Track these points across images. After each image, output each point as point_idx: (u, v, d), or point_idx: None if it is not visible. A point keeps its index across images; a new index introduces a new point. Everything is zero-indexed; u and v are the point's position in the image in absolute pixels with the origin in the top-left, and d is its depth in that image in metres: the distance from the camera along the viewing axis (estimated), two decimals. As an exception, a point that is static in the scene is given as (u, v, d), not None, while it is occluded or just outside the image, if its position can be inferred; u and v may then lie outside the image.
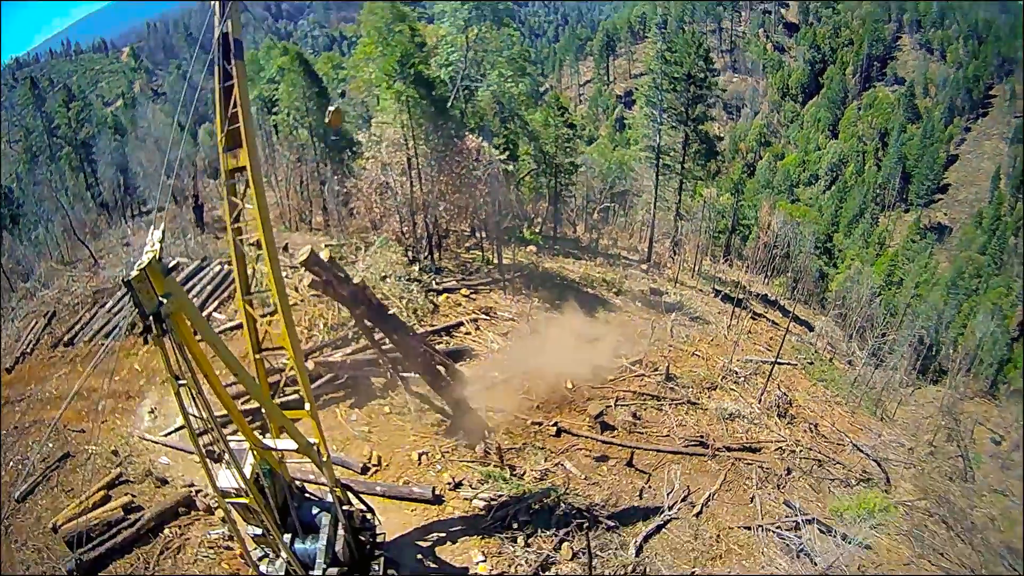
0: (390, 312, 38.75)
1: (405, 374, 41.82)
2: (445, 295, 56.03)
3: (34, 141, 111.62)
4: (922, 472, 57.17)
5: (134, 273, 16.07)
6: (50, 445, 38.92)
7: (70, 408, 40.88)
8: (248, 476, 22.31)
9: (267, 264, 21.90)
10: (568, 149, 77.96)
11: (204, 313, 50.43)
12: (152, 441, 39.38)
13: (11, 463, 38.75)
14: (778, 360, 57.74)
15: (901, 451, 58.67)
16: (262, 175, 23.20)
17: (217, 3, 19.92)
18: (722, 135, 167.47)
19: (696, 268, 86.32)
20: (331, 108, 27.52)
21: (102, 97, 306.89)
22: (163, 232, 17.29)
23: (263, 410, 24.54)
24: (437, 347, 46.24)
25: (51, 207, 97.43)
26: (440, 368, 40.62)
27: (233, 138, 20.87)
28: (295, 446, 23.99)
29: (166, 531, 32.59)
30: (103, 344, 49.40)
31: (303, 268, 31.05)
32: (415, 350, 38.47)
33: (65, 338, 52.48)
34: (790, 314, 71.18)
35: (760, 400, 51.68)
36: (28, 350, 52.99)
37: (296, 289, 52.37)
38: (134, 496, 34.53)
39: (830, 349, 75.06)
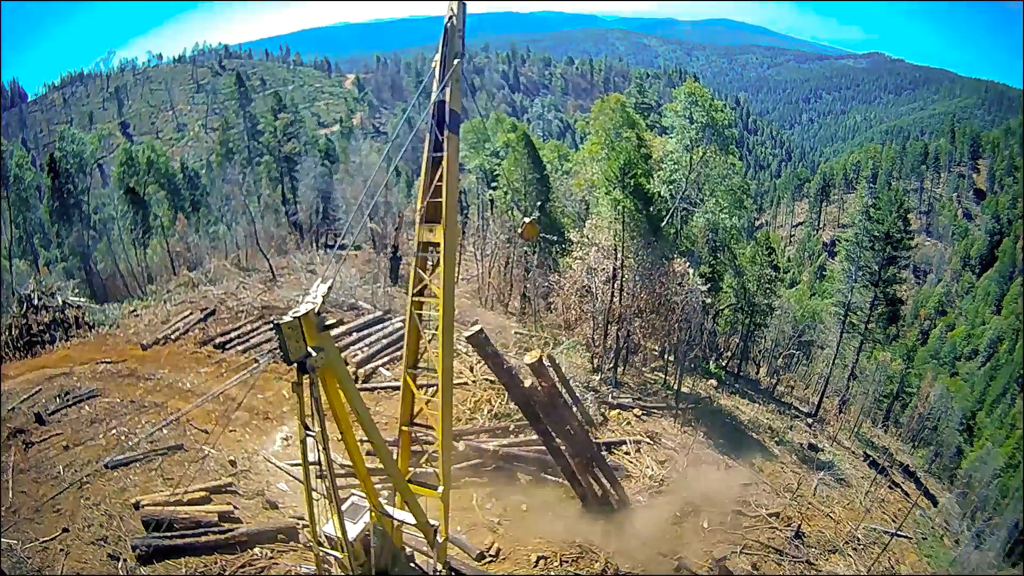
0: (567, 426, 39.27)
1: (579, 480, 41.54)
2: (618, 411, 55.62)
3: (232, 137, 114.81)
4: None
5: (287, 319, 16.41)
6: (165, 432, 39.39)
7: (201, 408, 41.42)
8: (360, 532, 22.46)
9: (439, 344, 21.70)
10: (768, 290, 77.40)
11: (371, 366, 51.43)
12: (276, 465, 39.69)
13: (114, 430, 39.26)
14: (897, 533, 56.77)
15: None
16: (455, 255, 22.99)
17: (437, 67, 19.66)
18: (906, 299, 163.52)
19: (856, 429, 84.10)
20: (526, 220, 27.32)
21: (318, 117, 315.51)
22: (330, 287, 17.57)
23: (392, 481, 24.17)
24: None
25: (238, 209, 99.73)
26: (602, 480, 41.15)
27: (433, 211, 20.68)
28: (414, 520, 23.90)
29: (256, 550, 32.05)
30: (256, 360, 50.16)
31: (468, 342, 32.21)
32: (581, 450, 39.20)
33: (218, 340, 53.53)
34: (921, 488, 69.79)
35: (868, 570, 50.30)
36: (173, 336, 54.33)
37: (471, 369, 52.81)
38: (236, 508, 34.41)
39: (945, 526, 72.38)
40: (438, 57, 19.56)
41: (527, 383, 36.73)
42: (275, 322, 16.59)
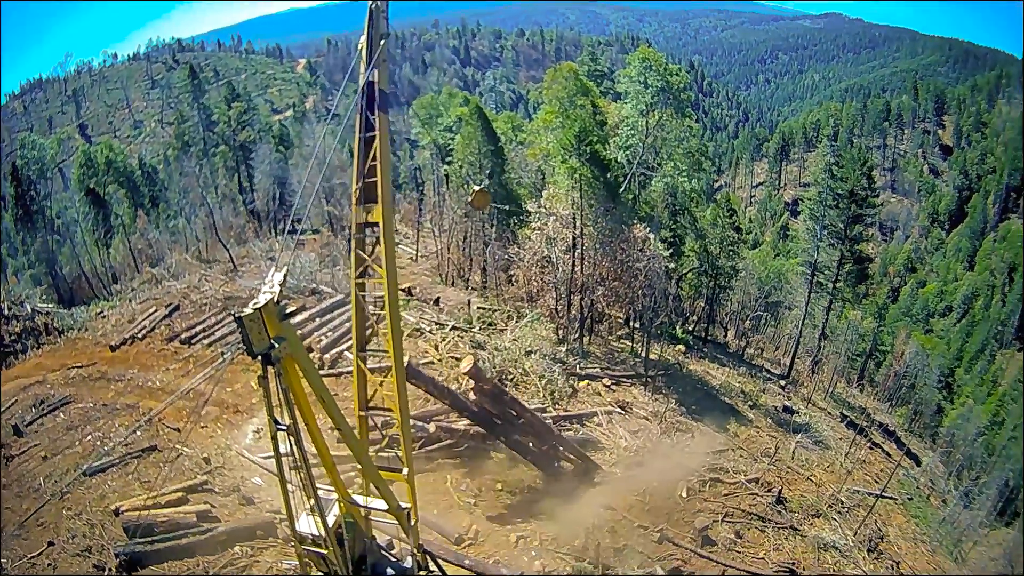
0: (520, 419, 40.07)
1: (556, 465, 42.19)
2: (587, 381, 55.47)
3: (187, 130, 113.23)
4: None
5: (247, 311, 15.84)
6: (138, 433, 39.36)
7: (172, 406, 41.44)
8: (331, 525, 21.93)
9: (388, 324, 21.63)
10: (731, 252, 77.27)
11: (336, 350, 50.87)
12: (249, 459, 39.38)
13: (89, 436, 39.32)
14: (882, 494, 57.01)
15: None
16: (393, 234, 22.90)
17: (364, 48, 19.59)
18: (874, 256, 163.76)
19: (830, 390, 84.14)
20: (476, 188, 26.87)
21: (271, 103, 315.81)
22: (284, 275, 17.02)
23: (359, 466, 23.92)
24: (566, 434, 46.66)
25: (196, 201, 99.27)
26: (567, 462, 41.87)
27: (368, 192, 20.55)
28: (385, 506, 23.71)
29: (237, 548, 32.16)
30: (223, 353, 49.54)
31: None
32: (543, 437, 40.31)
33: (184, 335, 53.25)
34: (904, 448, 70.50)
35: (855, 533, 50.33)
36: (140, 335, 53.98)
37: (436, 348, 52.21)
38: (213, 507, 34.46)
39: (931, 486, 72.54)
40: (363, 39, 19.50)
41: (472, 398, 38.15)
42: (236, 315, 16.02)
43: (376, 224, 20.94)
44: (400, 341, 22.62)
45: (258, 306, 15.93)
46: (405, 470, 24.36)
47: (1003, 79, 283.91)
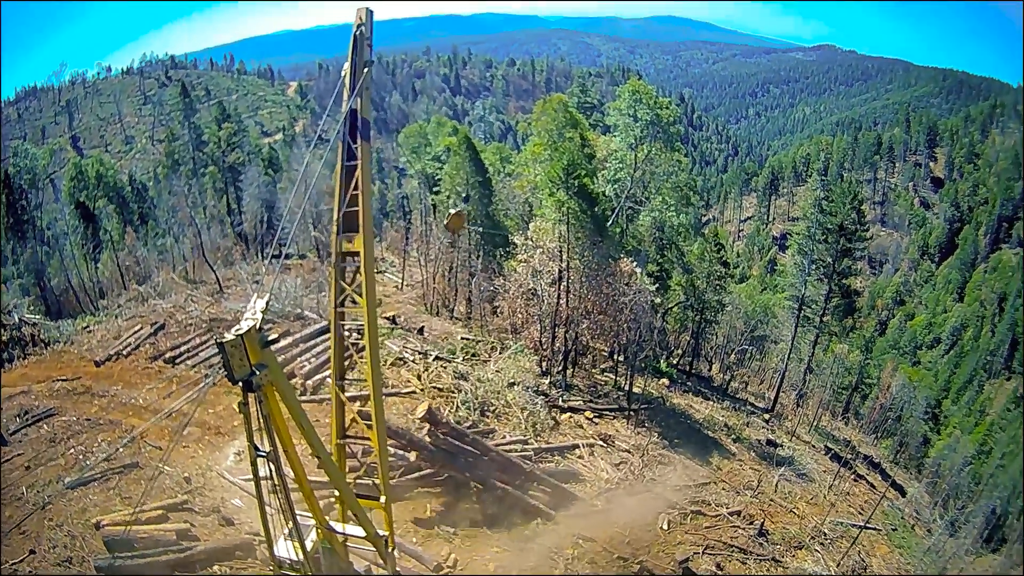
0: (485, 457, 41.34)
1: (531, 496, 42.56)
2: (569, 414, 55.33)
3: (177, 149, 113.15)
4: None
5: (229, 337, 15.84)
6: (120, 450, 39.29)
7: (154, 424, 41.26)
8: (309, 551, 21.95)
9: (367, 354, 21.64)
10: (718, 286, 77.50)
11: (319, 376, 50.50)
12: (230, 481, 39.21)
13: (72, 450, 39.20)
14: (866, 525, 56.93)
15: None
16: (374, 264, 23.15)
17: (347, 76, 19.54)
18: (862, 290, 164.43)
19: (815, 423, 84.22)
20: (452, 211, 27.03)
21: (261, 126, 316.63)
22: (267, 302, 17.02)
23: (337, 493, 23.97)
24: (546, 466, 47.16)
25: (184, 221, 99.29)
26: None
27: (349, 221, 20.56)
28: (362, 533, 23.75)
29: (216, 568, 32.15)
30: (206, 375, 49.80)
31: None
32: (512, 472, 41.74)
33: (168, 354, 52.96)
34: (889, 479, 70.57)
35: (838, 564, 50.27)
36: (124, 352, 53.77)
37: (419, 377, 52.16)
38: (193, 526, 34.39)
39: (915, 516, 72.58)
40: (347, 67, 19.43)
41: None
42: (218, 341, 16.07)
43: (357, 253, 20.80)
44: (379, 370, 22.64)
45: (240, 332, 15.93)
46: (383, 498, 24.33)
47: (997, 108, 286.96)
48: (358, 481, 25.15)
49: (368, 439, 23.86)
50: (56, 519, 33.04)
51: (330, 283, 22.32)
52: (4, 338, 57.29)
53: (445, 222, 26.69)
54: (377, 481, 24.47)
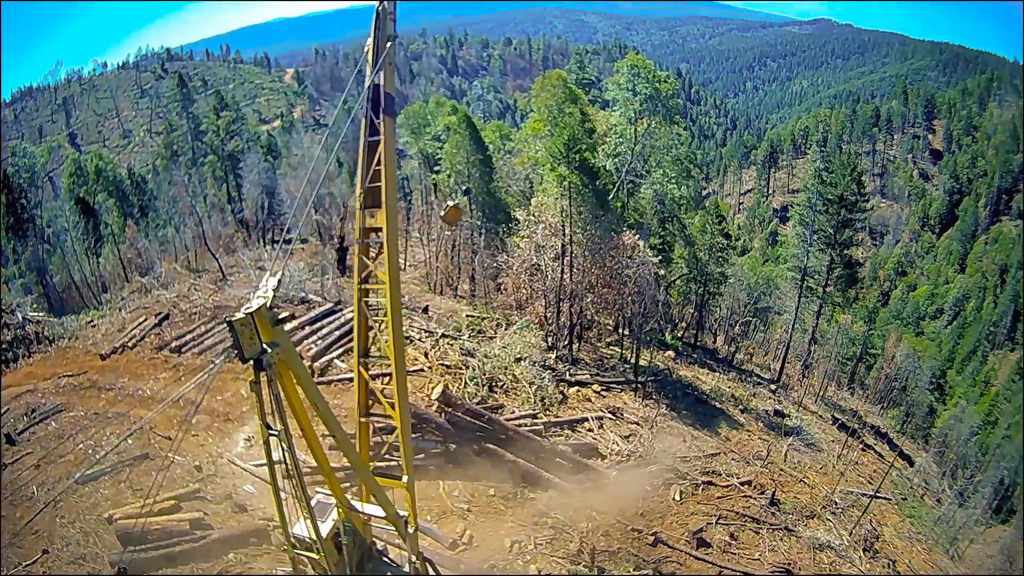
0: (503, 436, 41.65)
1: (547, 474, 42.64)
2: (576, 388, 55.22)
3: (176, 140, 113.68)
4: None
5: (239, 315, 15.90)
6: (130, 442, 39.42)
7: (162, 414, 41.48)
8: (329, 531, 22.12)
9: (389, 332, 21.38)
10: (720, 259, 77.59)
11: (326, 358, 50.59)
12: (241, 467, 39.38)
13: (81, 445, 39.45)
14: (876, 495, 57.05)
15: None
16: (398, 240, 22.39)
17: (370, 51, 19.39)
18: (863, 261, 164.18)
19: (821, 393, 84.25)
20: (449, 203, 26.84)
21: (259, 113, 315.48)
22: (279, 280, 17.20)
23: (356, 474, 23.88)
24: (557, 439, 47.45)
25: (185, 211, 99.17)
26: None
27: (373, 196, 20.41)
28: (383, 513, 23.57)
29: (231, 555, 32.27)
30: (213, 361, 49.56)
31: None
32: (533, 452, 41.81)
33: (174, 344, 53.02)
34: (896, 449, 70.57)
35: (851, 533, 50.34)
36: (130, 344, 53.92)
37: (426, 355, 52.08)
38: (206, 515, 34.59)
39: (924, 486, 72.63)
40: (370, 42, 19.33)
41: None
42: (228, 320, 16.06)
43: (379, 229, 20.67)
44: (402, 347, 22.45)
45: (250, 310, 15.97)
46: (405, 477, 24.19)
47: (994, 82, 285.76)
48: (378, 464, 25.34)
49: (390, 417, 23.61)
50: (68, 516, 33.27)
51: (354, 260, 22.16)
52: (8, 338, 57.50)
53: (442, 214, 26.51)
54: (400, 460, 24.35)
